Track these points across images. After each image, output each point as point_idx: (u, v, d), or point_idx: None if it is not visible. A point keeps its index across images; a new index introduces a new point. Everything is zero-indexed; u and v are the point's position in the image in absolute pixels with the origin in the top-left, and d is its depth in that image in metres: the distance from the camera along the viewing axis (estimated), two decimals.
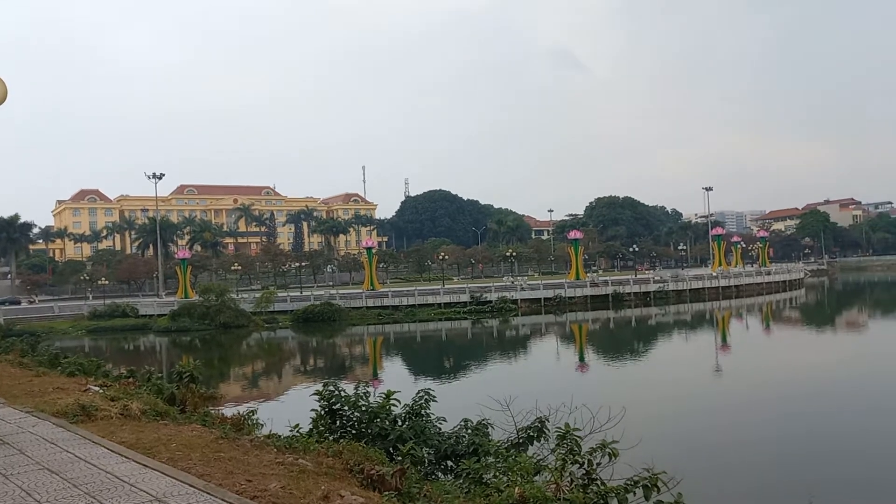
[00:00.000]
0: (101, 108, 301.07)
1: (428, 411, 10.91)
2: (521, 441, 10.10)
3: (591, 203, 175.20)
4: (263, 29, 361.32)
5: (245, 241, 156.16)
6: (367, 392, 11.29)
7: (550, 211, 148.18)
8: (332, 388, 12.24)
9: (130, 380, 13.50)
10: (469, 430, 10.62)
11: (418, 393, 11.08)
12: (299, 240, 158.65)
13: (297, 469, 5.43)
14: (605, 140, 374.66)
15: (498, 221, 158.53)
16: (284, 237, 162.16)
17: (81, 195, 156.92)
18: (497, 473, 7.88)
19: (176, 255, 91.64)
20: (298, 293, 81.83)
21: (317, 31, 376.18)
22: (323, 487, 4.73)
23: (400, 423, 10.56)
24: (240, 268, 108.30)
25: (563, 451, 7.83)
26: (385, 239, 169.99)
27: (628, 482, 6.83)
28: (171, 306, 71.88)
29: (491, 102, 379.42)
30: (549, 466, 7.77)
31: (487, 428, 10.24)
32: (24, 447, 6.86)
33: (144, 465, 5.91)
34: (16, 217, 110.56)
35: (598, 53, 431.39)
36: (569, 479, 7.38)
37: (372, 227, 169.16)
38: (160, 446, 6.64)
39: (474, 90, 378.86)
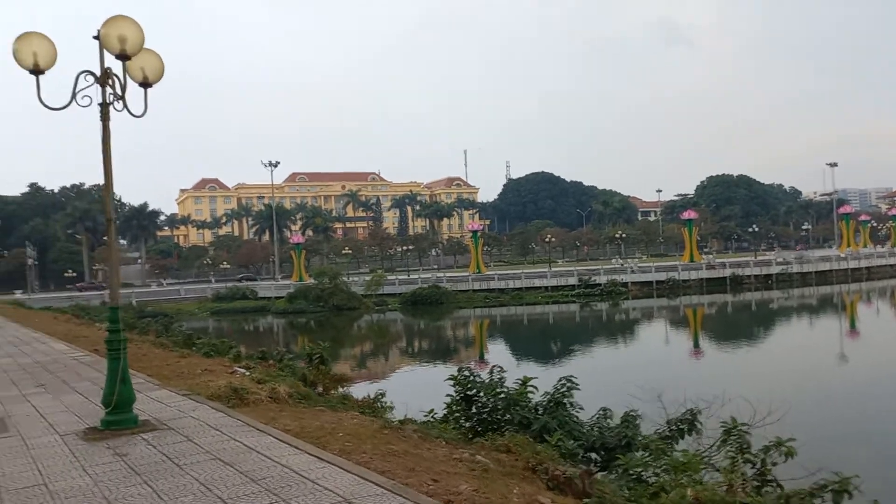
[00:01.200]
0: (218, 97, 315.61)
1: (571, 400, 10.50)
2: (671, 434, 9.55)
3: (702, 182, 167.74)
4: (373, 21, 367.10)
5: (353, 225, 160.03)
6: (502, 378, 11.01)
7: (658, 191, 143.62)
8: (466, 373, 12.06)
9: (270, 362, 13.85)
10: (610, 420, 10.18)
11: (560, 380, 10.67)
12: (404, 224, 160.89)
13: (480, 467, 5.14)
14: (714, 117, 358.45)
15: (604, 202, 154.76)
16: (390, 221, 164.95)
17: (202, 184, 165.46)
18: (657, 471, 7.42)
19: (290, 240, 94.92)
20: (405, 276, 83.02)
21: (419, 19, 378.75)
22: (515, 491, 4.44)
23: (541, 412, 10.21)
24: (350, 252, 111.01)
25: (733, 448, 7.29)
26: (487, 222, 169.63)
27: (814, 487, 6.21)
28: (287, 289, 74.56)
29: (593, 82, 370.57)
30: (717, 465, 7.25)
31: (637, 419, 9.71)
32: (190, 434, 6.85)
33: (319, 457, 5.68)
34: (145, 206, 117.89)
35: (704, 25, 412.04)
36: (740, 479, 6.85)
37: (474, 211, 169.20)
38: (327, 436, 6.46)
39: (577, 69, 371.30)
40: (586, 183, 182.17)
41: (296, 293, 70.70)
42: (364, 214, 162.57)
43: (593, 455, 9.63)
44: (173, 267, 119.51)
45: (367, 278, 74.57)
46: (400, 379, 34.16)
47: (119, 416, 7.06)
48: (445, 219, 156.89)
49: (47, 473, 5.83)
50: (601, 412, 10.72)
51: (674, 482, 6.76)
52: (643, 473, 7.41)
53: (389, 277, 77.94)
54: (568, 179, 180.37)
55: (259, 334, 61.57)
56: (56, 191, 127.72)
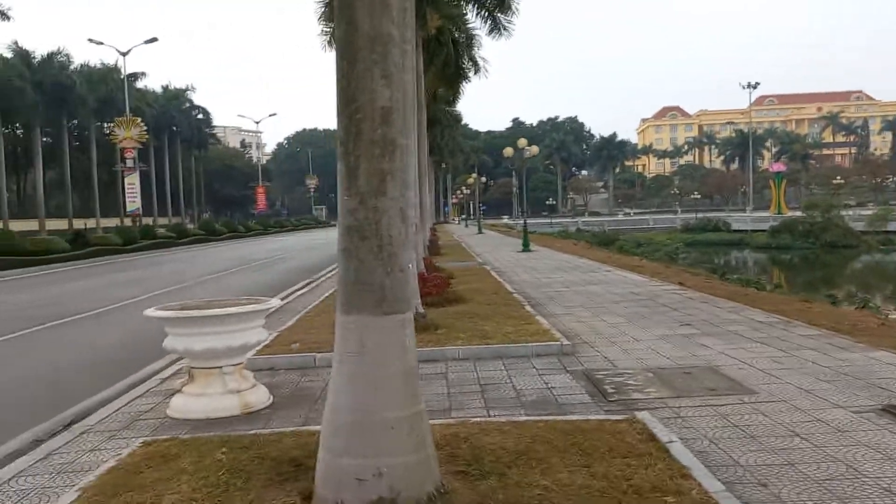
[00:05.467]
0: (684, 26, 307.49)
1: None
2: None
3: None
4: None
5: (830, 152, 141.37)
6: None
7: None
8: None
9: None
10: None
11: None
12: None
13: None
14: None
15: None
16: (878, 147, 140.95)
17: (663, 112, 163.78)
18: None
19: (768, 169, 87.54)
20: None
21: None
22: None
23: None
24: (843, 182, 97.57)
25: None
26: None
27: None
28: (766, 222, 69.18)
29: None
30: None
31: None
32: None
33: None
34: (613, 136, 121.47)
35: None
36: None
37: None
38: None
39: None
40: None
41: (780, 227, 64.84)
42: (845, 139, 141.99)
43: None
44: (636, 196, 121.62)
45: (868, 213, 64.59)
46: None
47: None
48: None
49: None
50: None
51: None
52: None
53: None
54: None
55: (730, 269, 58.01)
56: (534, 124, 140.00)
